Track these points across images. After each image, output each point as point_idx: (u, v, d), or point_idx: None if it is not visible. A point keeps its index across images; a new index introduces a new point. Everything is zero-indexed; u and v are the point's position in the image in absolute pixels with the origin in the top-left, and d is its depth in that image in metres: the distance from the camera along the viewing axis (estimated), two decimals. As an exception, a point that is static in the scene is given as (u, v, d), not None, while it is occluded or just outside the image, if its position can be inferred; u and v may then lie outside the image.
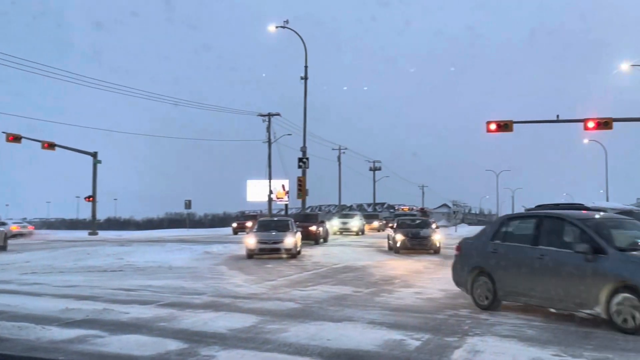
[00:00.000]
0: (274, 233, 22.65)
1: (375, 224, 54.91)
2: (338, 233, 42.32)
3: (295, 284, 14.46)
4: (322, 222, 33.61)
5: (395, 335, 8.14)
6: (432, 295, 12.39)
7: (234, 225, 48.56)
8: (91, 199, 50.93)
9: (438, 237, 25.63)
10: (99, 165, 49.24)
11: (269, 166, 50.03)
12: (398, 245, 25.10)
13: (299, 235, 23.75)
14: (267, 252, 21.93)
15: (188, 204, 57.72)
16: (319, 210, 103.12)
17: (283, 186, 59.36)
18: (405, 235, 25.22)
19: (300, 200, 40.25)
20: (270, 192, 51.91)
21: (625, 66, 45.95)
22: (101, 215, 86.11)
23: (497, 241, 10.78)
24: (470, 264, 11.10)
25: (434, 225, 27.78)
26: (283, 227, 23.63)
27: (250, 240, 22.12)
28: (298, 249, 22.81)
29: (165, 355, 7.08)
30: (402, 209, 78.65)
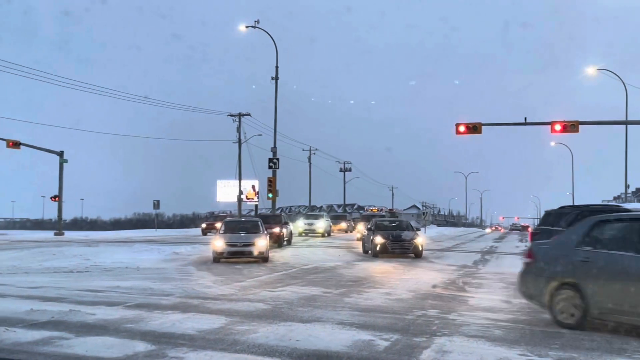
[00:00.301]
0: (243, 235, 21.36)
1: (343, 224, 54.05)
2: (303, 234, 41.50)
3: (265, 285, 14.42)
4: (286, 223, 32.73)
5: (364, 336, 8.17)
6: (401, 296, 12.46)
7: (203, 226, 48.21)
8: (57, 198, 50.12)
9: (421, 240, 24.15)
10: (65, 165, 48.48)
11: (239, 166, 49.87)
12: (378, 249, 23.23)
13: (268, 237, 22.37)
14: (237, 256, 20.70)
15: (156, 204, 57.17)
16: (289, 211, 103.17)
17: (253, 187, 59.20)
18: (386, 238, 23.38)
19: (270, 201, 40.17)
20: (240, 192, 51.73)
21: (592, 70, 46.78)
22: (67, 216, 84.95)
23: (588, 248, 9.07)
24: (549, 274, 9.46)
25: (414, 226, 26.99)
26: (253, 228, 22.29)
27: (218, 243, 20.69)
28: (268, 252, 21.72)
29: (133, 357, 7.00)
30: (371, 210, 78.87)
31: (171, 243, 30.45)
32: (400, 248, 23.27)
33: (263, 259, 20.70)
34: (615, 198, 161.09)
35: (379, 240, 23.32)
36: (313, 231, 42.25)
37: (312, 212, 65.63)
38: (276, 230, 29.12)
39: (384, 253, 23.10)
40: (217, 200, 64.70)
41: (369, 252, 24.28)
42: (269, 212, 41.80)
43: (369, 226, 27.05)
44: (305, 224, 43.12)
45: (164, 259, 21.58)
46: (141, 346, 7.48)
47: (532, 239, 17.08)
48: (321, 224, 42.28)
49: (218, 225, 42.72)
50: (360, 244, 29.60)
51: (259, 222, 23.26)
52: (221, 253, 20.60)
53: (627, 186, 55.91)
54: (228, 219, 27.16)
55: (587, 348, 7.66)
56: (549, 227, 17.32)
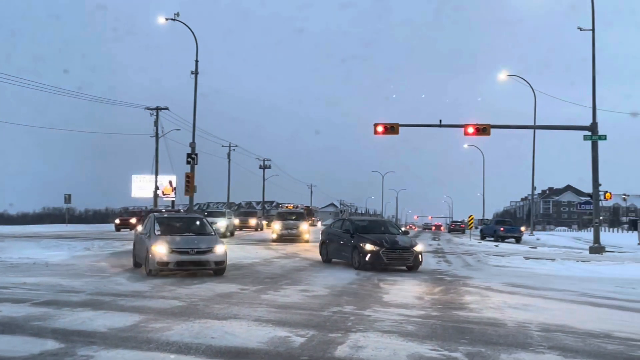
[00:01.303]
0: (194, 238, 15.96)
1: (252, 222, 49.77)
2: None
3: (180, 281, 14.20)
4: (230, 218, 32.26)
5: (281, 332, 8.19)
6: (318, 293, 12.57)
7: (117, 221, 47.02)
8: (-40, 191, 47.57)
9: (421, 247, 19.12)
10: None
11: (156, 161, 48.89)
12: (368, 259, 17.84)
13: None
14: (189, 267, 15.33)
15: (68, 199, 55.25)
16: (207, 208, 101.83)
17: (170, 182, 58.22)
18: (379, 245, 17.84)
19: (187, 197, 39.54)
20: (157, 187, 50.75)
21: (502, 75, 48.56)
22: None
23: None
24: None
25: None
26: (200, 228, 17.05)
27: (161, 249, 14.89)
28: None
29: (40, 356, 6.74)
30: (287, 207, 78.91)
31: (83, 239, 29.51)
32: (399, 259, 18.15)
33: (220, 270, 15.51)
34: (523, 199, 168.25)
35: (369, 248, 17.77)
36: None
37: (213, 209, 61.61)
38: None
39: (377, 265, 17.82)
40: (132, 195, 63.19)
41: (355, 264, 18.31)
42: (180, 209, 41.01)
43: (336, 227, 21.35)
44: None
45: (75, 255, 20.87)
46: (49, 344, 7.23)
47: None
48: (222, 223, 36.21)
49: (132, 220, 41.61)
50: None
51: (203, 220, 17.96)
52: (166, 263, 14.84)
53: (533, 188, 58.40)
54: (163, 214, 21.62)
55: (494, 343, 7.98)
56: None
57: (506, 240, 44.96)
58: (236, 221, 43.70)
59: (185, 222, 17.79)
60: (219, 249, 15.53)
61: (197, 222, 17.58)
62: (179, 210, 43.86)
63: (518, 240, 44.40)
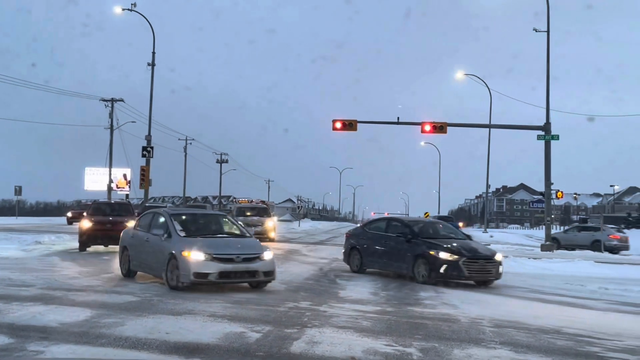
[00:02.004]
0: (232, 241, 12.87)
1: None
2: None
3: (134, 277, 13.98)
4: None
5: (236, 328, 8.15)
6: (274, 288, 12.53)
7: (69, 214, 46.12)
8: None
9: (500, 256, 15.18)
10: None
11: (110, 154, 48.04)
12: (443, 270, 14.41)
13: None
14: (234, 279, 12.09)
15: (18, 191, 53.91)
16: (162, 202, 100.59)
17: (125, 175, 57.25)
18: (457, 254, 14.42)
19: (142, 191, 38.99)
20: (111, 181, 49.86)
21: (460, 74, 49.23)
22: None
23: None
24: None
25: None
26: (230, 228, 13.78)
27: (198, 256, 11.52)
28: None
29: (-13, 351, 6.56)
30: (241, 201, 78.39)
31: (33, 232, 28.85)
32: (482, 271, 14.59)
33: (267, 282, 12.44)
34: (477, 197, 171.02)
35: (445, 257, 14.39)
36: None
37: (151, 204, 56.65)
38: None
39: (454, 278, 14.51)
40: (85, 188, 61.89)
41: (420, 277, 14.65)
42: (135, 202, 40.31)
43: (375, 229, 17.40)
44: None
45: (25, 248, 20.38)
46: (-3, 340, 7.04)
47: None
48: None
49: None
50: None
51: (229, 218, 14.70)
52: (205, 275, 11.50)
53: (488, 186, 59.41)
54: (180, 209, 17.87)
55: (447, 338, 8.08)
56: None
57: None
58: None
59: (208, 220, 14.31)
60: (267, 255, 12.30)
61: (224, 221, 14.13)
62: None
63: None
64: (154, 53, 35.95)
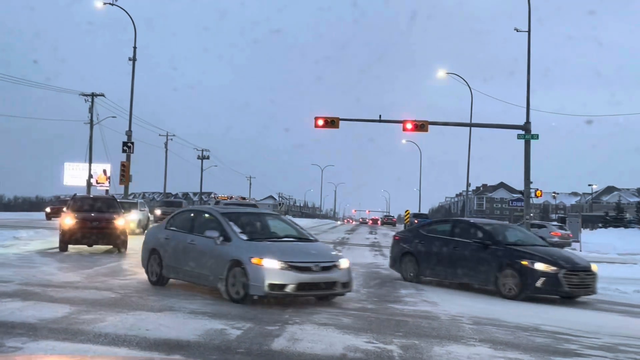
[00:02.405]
0: (303, 246, 11.32)
1: (134, 216, 33.16)
2: None
3: (114, 272, 13.90)
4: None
5: (217, 325, 8.13)
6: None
7: (48, 210, 45.66)
8: None
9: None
10: None
11: (90, 149, 47.62)
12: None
13: None
14: (312, 291, 10.63)
15: (-4, 185, 53.20)
16: (143, 198, 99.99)
17: (105, 171, 56.76)
18: (550, 262, 12.44)
19: (122, 187, 38.72)
20: (90, 176, 49.42)
21: (441, 73, 49.46)
22: None
23: None
24: None
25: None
26: (290, 230, 12.08)
27: (273, 264, 9.97)
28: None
29: (-36, 348, 6.48)
30: (221, 198, 78.08)
31: (11, 227, 28.47)
32: (581, 285, 12.77)
33: (344, 294, 10.94)
34: (457, 195, 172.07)
35: (541, 268, 12.44)
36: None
37: (126, 199, 48.95)
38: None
39: (552, 293, 12.65)
40: (64, 183, 61.27)
41: (509, 290, 12.64)
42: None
43: (435, 232, 15.35)
44: None
45: (3, 244, 20.12)
46: (-26, 336, 6.95)
47: None
48: (134, 217, 28.96)
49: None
50: None
51: (283, 217, 13.95)
52: (281, 286, 9.94)
53: (468, 184, 59.84)
54: (230, 207, 15.64)
55: (427, 335, 8.14)
56: None
57: None
58: (158, 212, 39.54)
59: (266, 220, 12.42)
60: (344, 263, 10.78)
61: (282, 221, 12.78)
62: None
63: None
64: (135, 47, 35.76)
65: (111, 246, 18.72)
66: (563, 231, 37.94)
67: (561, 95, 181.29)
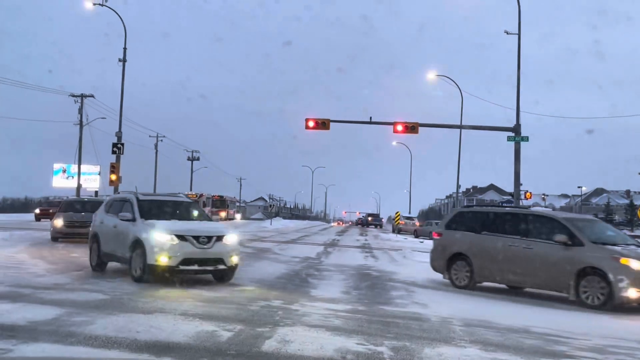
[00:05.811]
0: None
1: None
2: None
3: (103, 275, 13.85)
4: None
5: (208, 327, 8.11)
6: (246, 287, 12.51)
7: (37, 211, 45.51)
8: None
9: None
10: None
11: (79, 150, 47.45)
12: None
13: None
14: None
15: (-16, 186, 52.87)
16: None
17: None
18: None
19: (112, 188, 38.55)
20: (79, 175, 49.20)
21: (431, 75, 49.55)
22: None
23: None
24: None
25: None
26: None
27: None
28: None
29: (-47, 350, 6.44)
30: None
31: (0, 228, 28.30)
32: None
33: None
34: (447, 197, 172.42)
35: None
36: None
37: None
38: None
39: None
40: (54, 185, 61.02)
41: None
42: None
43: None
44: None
45: (-8, 245, 20.00)
46: (-37, 339, 6.91)
47: None
48: None
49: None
50: None
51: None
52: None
53: (458, 186, 59.93)
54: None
55: (418, 337, 8.15)
56: None
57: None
58: None
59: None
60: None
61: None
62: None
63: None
64: (125, 49, 35.65)
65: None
66: None
67: (558, 98, 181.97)
